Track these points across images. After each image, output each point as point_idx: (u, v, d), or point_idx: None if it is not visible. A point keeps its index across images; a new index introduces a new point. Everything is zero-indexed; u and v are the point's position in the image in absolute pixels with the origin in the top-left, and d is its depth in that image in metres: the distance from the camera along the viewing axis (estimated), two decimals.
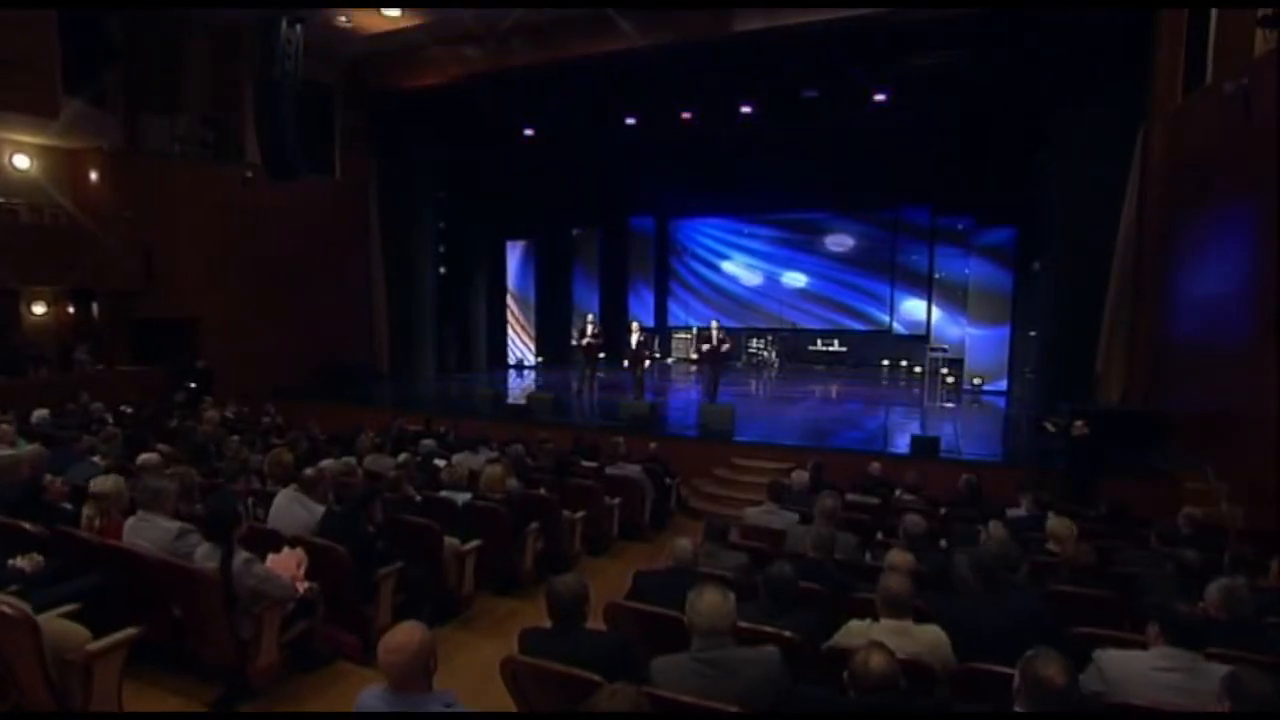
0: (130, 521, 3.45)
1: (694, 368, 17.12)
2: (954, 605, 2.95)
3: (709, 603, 2.26)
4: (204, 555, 3.18)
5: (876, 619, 2.72)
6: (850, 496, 6.20)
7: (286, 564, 3.53)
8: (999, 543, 3.81)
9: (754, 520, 5.12)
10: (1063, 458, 7.54)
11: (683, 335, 18.41)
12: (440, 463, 6.86)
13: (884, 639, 2.45)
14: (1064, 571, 3.89)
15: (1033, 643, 2.18)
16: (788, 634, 2.68)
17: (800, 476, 6.34)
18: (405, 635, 1.92)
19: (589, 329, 12.63)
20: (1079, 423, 7.01)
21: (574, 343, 12.88)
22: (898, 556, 3.43)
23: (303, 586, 3.51)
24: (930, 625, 2.68)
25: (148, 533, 3.34)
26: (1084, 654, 2.56)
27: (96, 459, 5.68)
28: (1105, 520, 5.76)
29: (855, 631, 2.67)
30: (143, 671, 3.42)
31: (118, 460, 5.68)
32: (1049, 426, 7.74)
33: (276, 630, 3.42)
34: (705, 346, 11.79)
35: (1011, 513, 5.45)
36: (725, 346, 11.61)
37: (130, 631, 2.81)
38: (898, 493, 6.59)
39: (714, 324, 11.87)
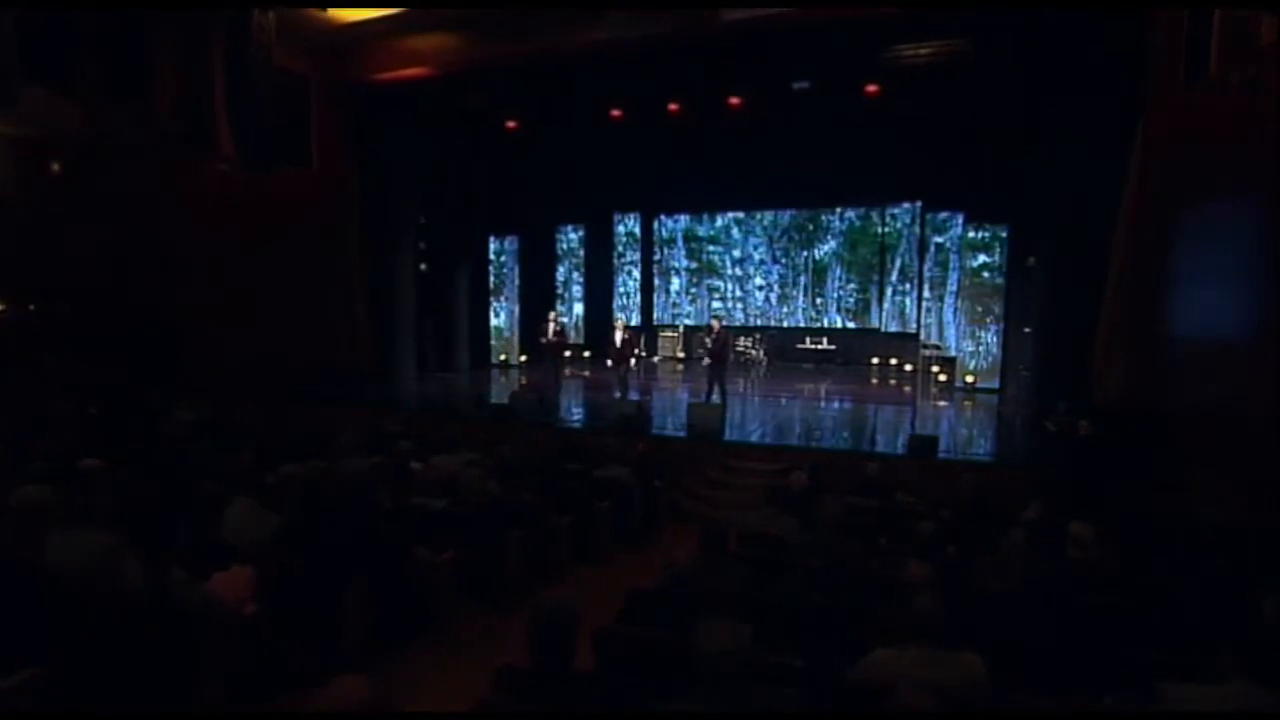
0: (53, 536, 3.05)
1: (679, 367, 16.84)
2: (993, 624, 2.63)
3: (719, 640, 1.91)
4: (133, 575, 2.79)
5: (904, 644, 2.39)
6: (849, 499, 5.89)
7: (234, 582, 3.14)
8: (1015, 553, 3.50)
9: (753, 526, 4.78)
10: (1065, 458, 7.28)
11: (669, 334, 18.13)
12: (417, 465, 6.49)
13: (917, 671, 2.12)
14: (1090, 580, 3.60)
15: (1080, 664, 1.87)
16: (801, 664, 2.35)
17: (798, 478, 6.02)
18: (341, 697, 1.53)
19: (550, 326, 12.27)
20: (1084, 423, 6.75)
21: (542, 340, 12.49)
22: (916, 570, 3.10)
23: (251, 608, 3.13)
24: (968, 655, 2.35)
25: (71, 549, 2.94)
26: (1137, 680, 2.25)
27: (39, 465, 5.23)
28: (1117, 524, 5.48)
29: (883, 662, 2.33)
30: (72, 709, 3.03)
31: (62, 467, 5.24)
32: (1050, 426, 7.49)
33: (224, 658, 3.03)
34: (708, 341, 11.24)
35: (1024, 517, 5.16)
36: (725, 344, 11.27)
37: (31, 671, 2.42)
38: (899, 495, 6.31)
39: (715, 319, 11.52)
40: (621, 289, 18.65)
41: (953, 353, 13.62)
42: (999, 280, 13.13)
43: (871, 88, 11.54)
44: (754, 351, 16.39)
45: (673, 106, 13.05)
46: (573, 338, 18.21)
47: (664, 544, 6.40)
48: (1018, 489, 6.63)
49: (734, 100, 12.49)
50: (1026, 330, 11.65)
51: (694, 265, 18.20)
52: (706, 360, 11.31)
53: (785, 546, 4.21)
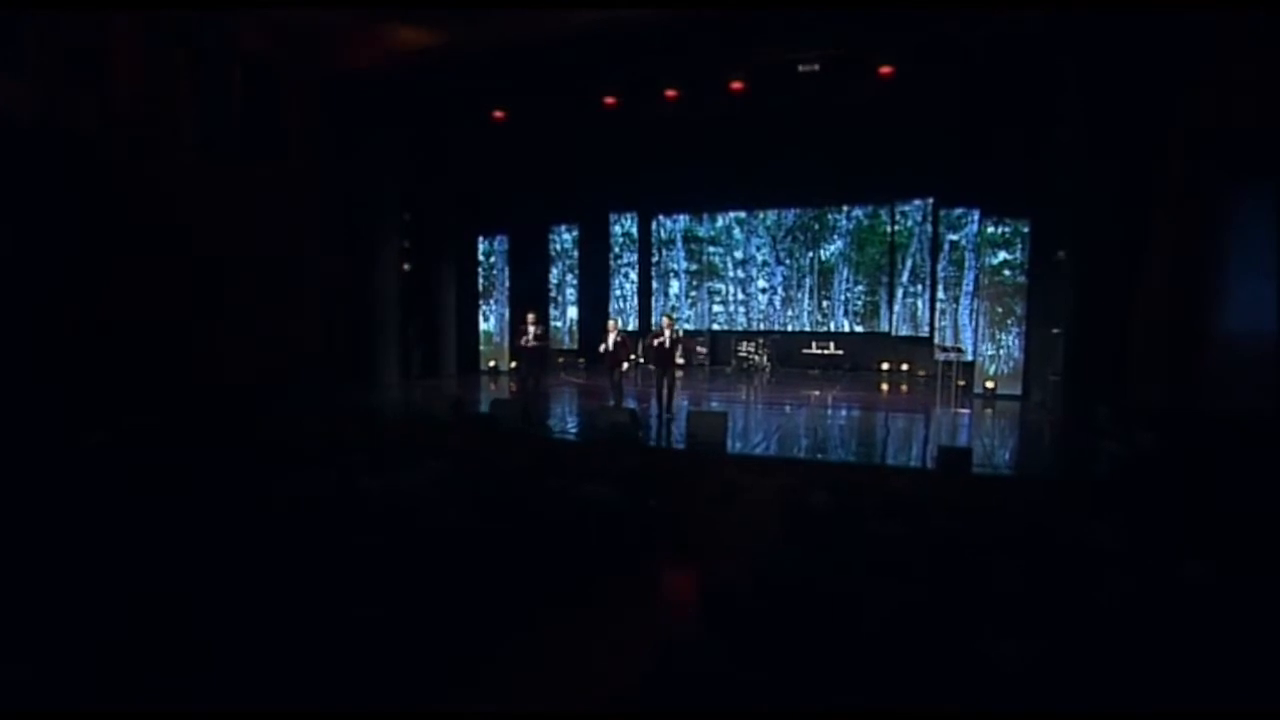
0: None
1: (679, 374, 15.92)
2: None
3: None
4: None
5: None
6: (884, 526, 4.96)
7: None
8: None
9: (771, 568, 3.84)
10: (1121, 474, 6.35)
11: None
12: (374, 485, 5.58)
13: None
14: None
15: None
16: None
17: (820, 499, 5.11)
18: None
19: (530, 329, 11.38)
20: (1146, 433, 5.83)
21: (521, 343, 11.65)
22: (1008, 648, 2.18)
23: None
24: None
25: None
26: None
27: None
28: (1208, 556, 4.56)
29: None
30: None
31: None
32: (1103, 440, 6.57)
33: None
34: (656, 343, 10.57)
35: (1103, 547, 4.24)
36: (678, 346, 10.58)
37: None
38: (936, 517, 5.39)
39: (665, 319, 10.79)
40: (618, 292, 17.78)
41: (970, 357, 12.71)
42: (1020, 279, 12.25)
43: (885, 69, 10.66)
44: (758, 357, 15.57)
45: (670, 93, 12.17)
46: (565, 343, 17.35)
47: (659, 581, 5.46)
48: (1072, 508, 5.73)
49: (736, 85, 11.60)
50: (1055, 331, 10.75)
51: (694, 267, 17.32)
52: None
53: (817, 599, 3.26)
